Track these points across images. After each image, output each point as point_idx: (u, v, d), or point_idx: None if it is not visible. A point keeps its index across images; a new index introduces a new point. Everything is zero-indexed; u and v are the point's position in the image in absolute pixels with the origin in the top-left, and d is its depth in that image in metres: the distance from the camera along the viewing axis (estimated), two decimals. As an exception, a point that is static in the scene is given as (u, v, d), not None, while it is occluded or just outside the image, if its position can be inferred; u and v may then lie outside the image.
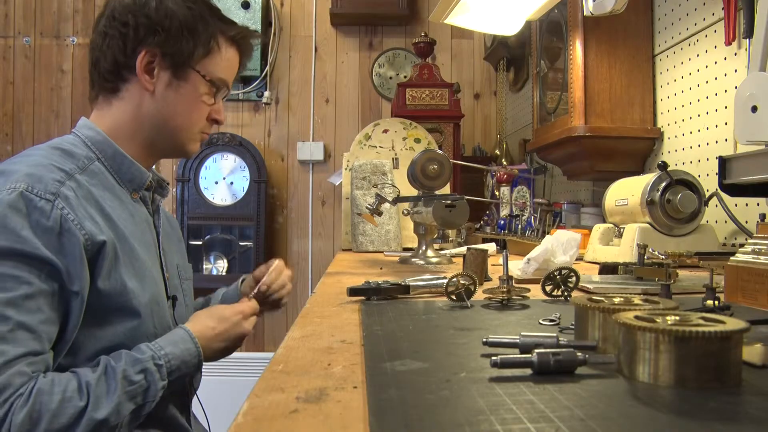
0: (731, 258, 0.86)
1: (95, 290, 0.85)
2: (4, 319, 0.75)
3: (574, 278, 0.89)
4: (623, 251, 1.35)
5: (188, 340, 0.91)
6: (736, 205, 1.35)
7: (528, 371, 0.47)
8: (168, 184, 1.12)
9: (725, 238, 1.42)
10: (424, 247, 1.56)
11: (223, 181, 3.14)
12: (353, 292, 0.88)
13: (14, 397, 0.72)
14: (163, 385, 0.85)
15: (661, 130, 1.73)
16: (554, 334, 0.52)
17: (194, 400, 1.12)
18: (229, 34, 1.04)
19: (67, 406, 0.75)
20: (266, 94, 3.25)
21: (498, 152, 3.00)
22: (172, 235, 1.17)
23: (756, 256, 0.82)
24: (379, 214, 1.53)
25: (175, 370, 0.87)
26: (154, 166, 1.10)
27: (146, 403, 0.83)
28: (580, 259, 1.51)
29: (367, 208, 1.39)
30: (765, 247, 0.82)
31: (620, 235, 1.42)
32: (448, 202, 1.38)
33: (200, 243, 3.08)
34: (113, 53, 0.98)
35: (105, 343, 0.86)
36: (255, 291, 1.11)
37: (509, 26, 1.84)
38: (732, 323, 0.45)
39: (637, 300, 0.56)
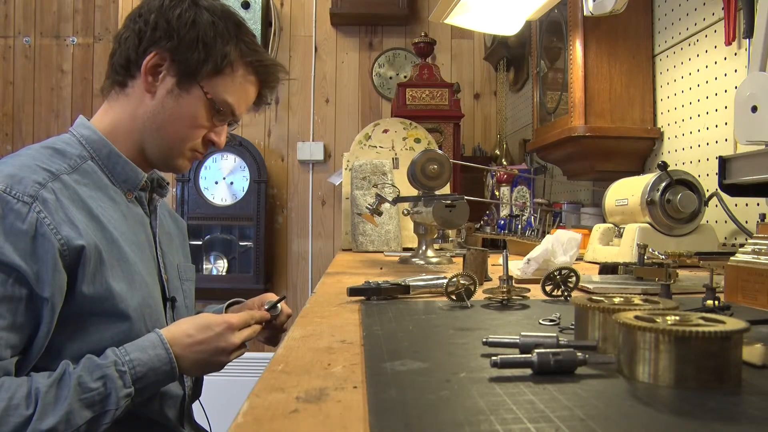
0: (731, 258, 0.86)
1: (80, 295, 0.83)
2: None
3: (574, 278, 0.89)
4: (623, 251, 1.35)
5: (159, 346, 0.86)
6: (736, 205, 1.35)
7: (528, 371, 0.47)
8: (168, 183, 1.10)
9: (725, 238, 1.42)
10: (424, 247, 1.56)
11: (223, 181, 3.14)
12: (353, 292, 0.88)
13: None
14: (127, 393, 0.81)
15: (661, 130, 1.73)
16: (554, 334, 0.52)
17: (197, 405, 1.11)
18: (247, 59, 1.01)
19: (12, 414, 0.73)
20: (266, 94, 3.25)
21: (498, 152, 3.00)
22: (175, 234, 1.14)
23: (756, 256, 0.82)
24: (379, 214, 1.52)
25: (142, 377, 0.83)
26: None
27: (106, 412, 0.79)
28: (580, 259, 1.51)
29: (367, 208, 1.39)
30: (765, 247, 0.82)
31: (620, 235, 1.42)
32: (448, 202, 1.38)
33: (200, 243, 3.09)
34: (128, 48, 0.98)
35: (92, 346, 0.84)
36: (271, 304, 1.02)
37: (509, 26, 1.84)
38: (732, 323, 0.45)
39: (637, 300, 0.56)
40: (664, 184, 1.32)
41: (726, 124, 1.43)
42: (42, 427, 0.74)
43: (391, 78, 3.32)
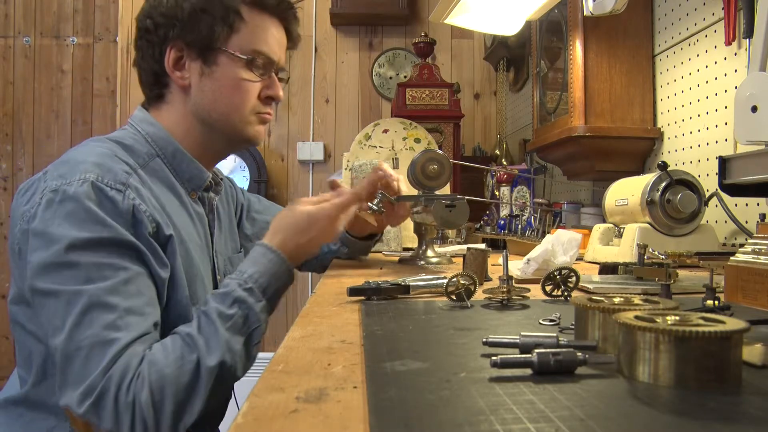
0: (731, 258, 0.86)
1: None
2: (111, 307, 0.75)
3: (574, 278, 0.89)
4: (623, 251, 1.35)
5: (268, 252, 0.88)
6: (736, 205, 1.35)
7: (528, 371, 0.47)
8: (222, 179, 1.10)
9: (725, 238, 1.42)
10: (424, 247, 1.56)
11: (223, 181, 3.13)
12: (353, 292, 0.88)
13: (134, 380, 0.72)
14: (262, 306, 0.84)
15: (661, 130, 1.73)
16: (554, 334, 0.52)
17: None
18: (250, 2, 0.99)
19: (183, 363, 0.74)
20: (266, 94, 3.25)
21: (498, 152, 3.00)
22: (225, 225, 1.14)
23: (756, 256, 0.82)
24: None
25: (267, 286, 0.85)
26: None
27: (253, 331, 0.82)
28: (580, 259, 1.51)
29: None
30: (765, 247, 0.82)
31: (620, 235, 1.42)
32: (448, 202, 1.38)
33: (200, 243, 3.08)
34: (148, 63, 0.98)
35: None
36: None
37: (509, 26, 1.84)
38: (732, 323, 0.45)
39: (637, 300, 0.56)
40: (664, 184, 1.32)
41: (726, 124, 1.43)
42: (211, 362, 0.75)
43: (391, 78, 3.32)
